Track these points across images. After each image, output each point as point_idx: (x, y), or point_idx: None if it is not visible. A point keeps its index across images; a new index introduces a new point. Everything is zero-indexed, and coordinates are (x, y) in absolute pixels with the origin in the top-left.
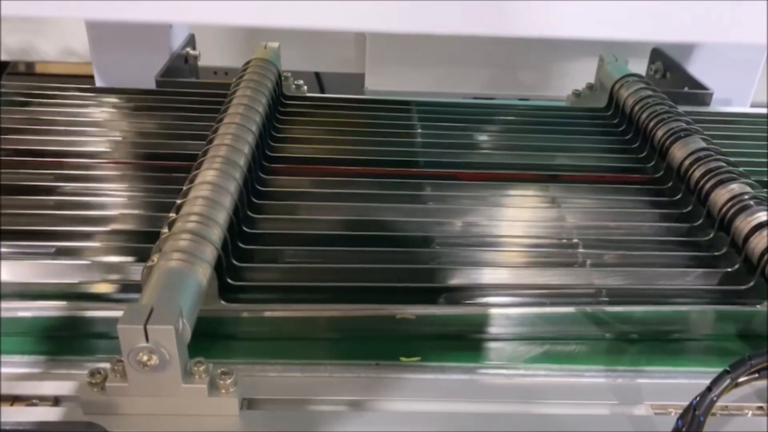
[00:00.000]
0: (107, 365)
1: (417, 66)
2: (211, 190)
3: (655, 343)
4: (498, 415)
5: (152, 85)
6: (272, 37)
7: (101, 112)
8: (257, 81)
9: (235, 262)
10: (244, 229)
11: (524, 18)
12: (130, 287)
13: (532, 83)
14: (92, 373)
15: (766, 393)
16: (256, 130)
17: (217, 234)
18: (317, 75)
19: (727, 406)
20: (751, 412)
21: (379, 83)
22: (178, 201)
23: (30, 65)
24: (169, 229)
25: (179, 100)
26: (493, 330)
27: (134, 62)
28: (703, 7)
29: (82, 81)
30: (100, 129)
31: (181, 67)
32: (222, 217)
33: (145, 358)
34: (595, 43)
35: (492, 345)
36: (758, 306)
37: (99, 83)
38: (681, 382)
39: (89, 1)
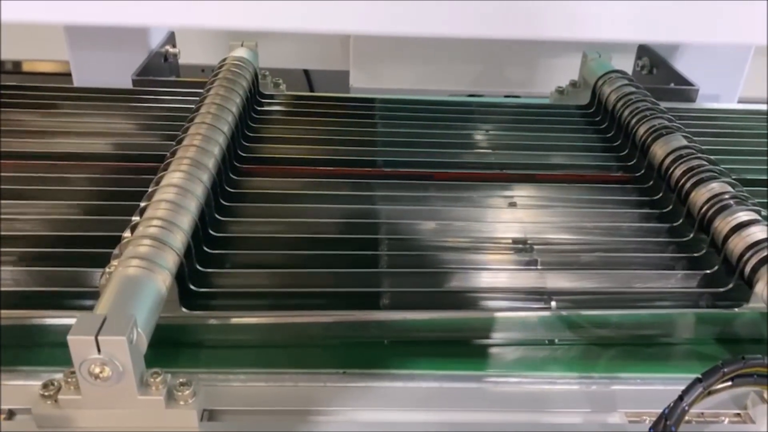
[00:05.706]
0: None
1: (402, 63)
2: (176, 193)
3: (631, 348)
4: (467, 424)
5: (130, 85)
6: (258, 35)
7: (71, 113)
8: (231, 79)
9: (198, 267)
10: (211, 232)
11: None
12: (91, 294)
13: (517, 80)
14: (45, 385)
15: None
16: (227, 130)
17: (179, 239)
18: (306, 72)
19: (702, 413)
20: (727, 419)
21: (365, 81)
22: (142, 204)
23: (17, 63)
24: (132, 233)
25: (154, 99)
26: (464, 335)
27: (112, 61)
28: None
29: (70, 80)
30: (69, 130)
31: (160, 65)
32: (186, 221)
33: (97, 370)
34: None
35: (462, 351)
36: (737, 309)
37: (77, 82)
38: (657, 389)
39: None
